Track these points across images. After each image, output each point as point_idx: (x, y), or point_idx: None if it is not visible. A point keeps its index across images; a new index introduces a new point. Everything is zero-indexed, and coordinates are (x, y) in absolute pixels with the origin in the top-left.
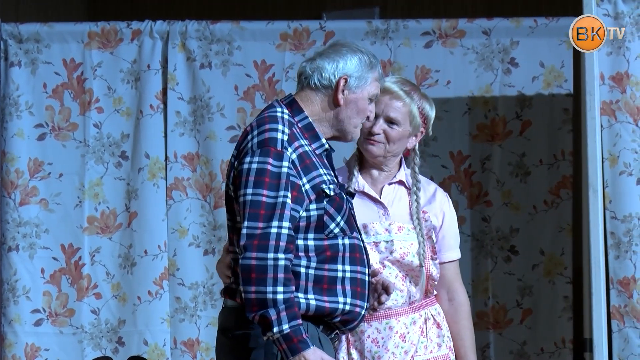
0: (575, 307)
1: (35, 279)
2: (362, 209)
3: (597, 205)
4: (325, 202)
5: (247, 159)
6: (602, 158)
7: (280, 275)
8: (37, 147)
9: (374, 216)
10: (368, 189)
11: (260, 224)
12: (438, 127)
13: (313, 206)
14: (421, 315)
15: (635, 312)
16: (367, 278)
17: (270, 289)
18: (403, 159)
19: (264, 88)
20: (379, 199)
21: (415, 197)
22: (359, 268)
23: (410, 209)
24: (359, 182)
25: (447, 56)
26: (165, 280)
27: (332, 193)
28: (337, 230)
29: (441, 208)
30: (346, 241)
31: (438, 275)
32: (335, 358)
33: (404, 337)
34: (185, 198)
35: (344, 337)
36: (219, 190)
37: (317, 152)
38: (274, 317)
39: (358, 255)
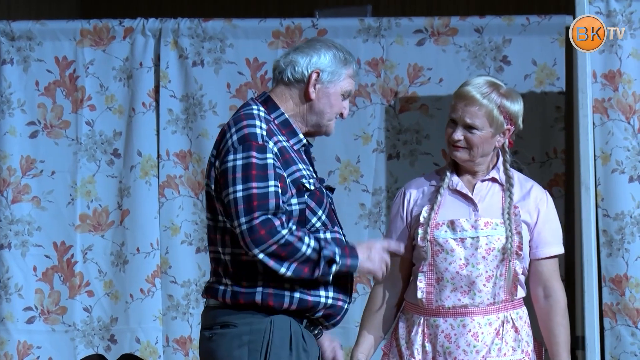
0: (568, 304)
1: (28, 277)
2: (452, 206)
3: (589, 203)
4: (306, 197)
5: (230, 157)
6: (595, 156)
7: (298, 242)
8: (29, 144)
9: (463, 213)
10: (461, 187)
11: (256, 214)
12: (430, 125)
13: (294, 200)
14: (498, 318)
15: (628, 310)
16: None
17: (302, 250)
18: (499, 158)
19: (256, 86)
20: (470, 195)
21: (508, 193)
22: None
23: (502, 204)
24: (453, 181)
25: (440, 54)
26: (157, 278)
27: (312, 187)
28: (318, 224)
29: (536, 205)
30: (328, 235)
31: (523, 272)
32: (319, 354)
33: (477, 336)
34: (177, 196)
35: (420, 330)
36: None
37: (295, 147)
38: (326, 260)
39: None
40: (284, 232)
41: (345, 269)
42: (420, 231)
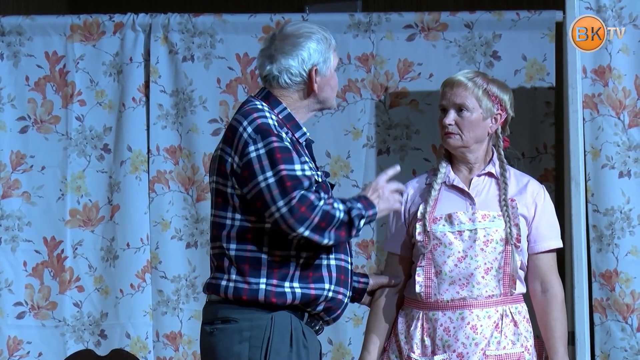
0: None
1: (18, 272)
2: (450, 201)
3: (579, 199)
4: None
5: (251, 148)
6: (584, 151)
7: (333, 209)
8: (19, 139)
9: (460, 207)
10: (458, 182)
11: (293, 194)
12: (420, 120)
13: None
14: (497, 311)
15: (618, 305)
16: (350, 267)
17: (337, 216)
18: (494, 153)
19: (246, 81)
20: (467, 190)
21: (504, 185)
22: (342, 256)
23: (499, 197)
24: (450, 176)
25: (430, 49)
26: (147, 273)
27: (320, 180)
28: None
29: (533, 199)
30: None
31: (521, 267)
32: (320, 350)
33: (476, 329)
34: (167, 191)
35: (419, 324)
36: (201, 183)
37: (300, 140)
38: (360, 219)
39: (341, 243)
40: (321, 203)
41: (369, 220)
42: (418, 226)
